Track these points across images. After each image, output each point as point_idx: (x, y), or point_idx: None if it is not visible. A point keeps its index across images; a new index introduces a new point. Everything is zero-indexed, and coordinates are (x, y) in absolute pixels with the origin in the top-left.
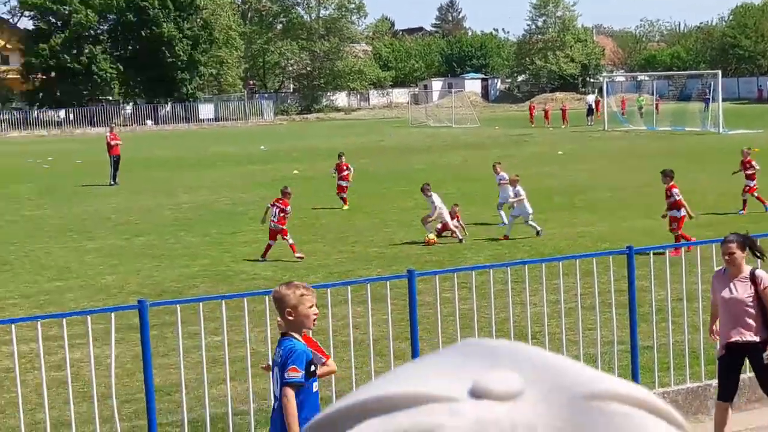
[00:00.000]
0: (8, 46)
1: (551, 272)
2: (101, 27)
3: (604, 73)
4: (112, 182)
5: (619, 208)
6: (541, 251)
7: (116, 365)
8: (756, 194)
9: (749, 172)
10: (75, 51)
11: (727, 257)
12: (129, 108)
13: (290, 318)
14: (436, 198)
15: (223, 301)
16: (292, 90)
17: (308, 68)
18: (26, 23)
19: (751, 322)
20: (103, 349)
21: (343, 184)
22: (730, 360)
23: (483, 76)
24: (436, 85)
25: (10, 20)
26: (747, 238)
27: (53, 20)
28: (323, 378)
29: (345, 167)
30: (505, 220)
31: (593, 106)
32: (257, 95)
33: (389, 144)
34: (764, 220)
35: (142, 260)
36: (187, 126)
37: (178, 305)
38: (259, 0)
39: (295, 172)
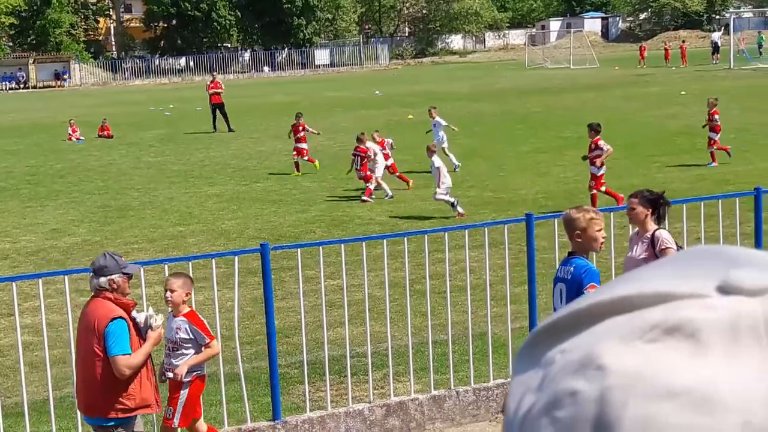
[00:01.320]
0: None
1: (672, 215)
2: None
3: (731, 9)
4: (230, 129)
5: (743, 150)
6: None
7: (238, 308)
8: (715, 148)
9: (714, 124)
10: None
11: (628, 214)
12: (247, 55)
13: (578, 240)
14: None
15: (342, 245)
16: (407, 34)
17: (424, 11)
18: None
19: None
20: (224, 292)
21: (302, 146)
22: None
23: (603, 15)
24: (554, 25)
25: None
26: (656, 197)
27: None
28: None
29: (302, 128)
30: (455, 161)
31: (718, 43)
32: (372, 40)
33: (505, 87)
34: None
35: (260, 205)
36: (303, 72)
37: (298, 249)
38: None
39: (410, 116)
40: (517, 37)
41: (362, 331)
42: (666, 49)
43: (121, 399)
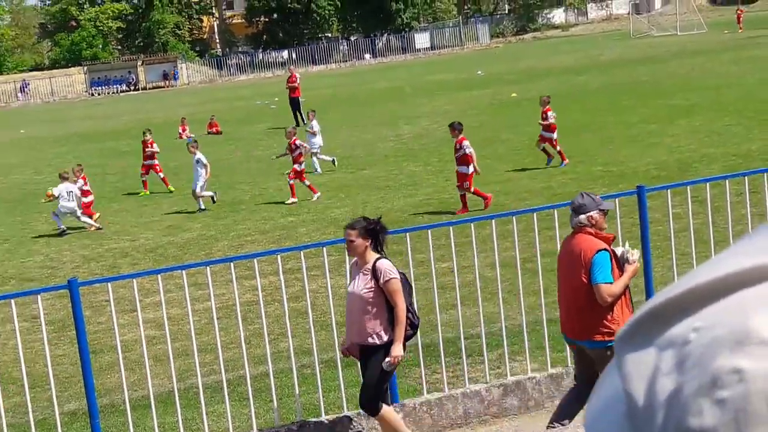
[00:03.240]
0: None
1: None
2: None
3: None
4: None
5: None
6: None
7: None
8: (543, 146)
9: (548, 122)
10: None
11: (347, 246)
12: (347, 43)
13: None
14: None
15: (451, 227)
16: (507, 11)
17: None
18: None
19: (372, 321)
20: (336, 279)
21: (151, 163)
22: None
23: None
24: None
25: None
26: (374, 225)
27: None
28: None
29: (151, 144)
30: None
31: None
32: (472, 19)
33: (610, 58)
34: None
35: (368, 192)
36: (404, 57)
37: (407, 233)
38: None
39: (514, 95)
40: (620, 6)
41: (475, 312)
42: None
43: (606, 323)
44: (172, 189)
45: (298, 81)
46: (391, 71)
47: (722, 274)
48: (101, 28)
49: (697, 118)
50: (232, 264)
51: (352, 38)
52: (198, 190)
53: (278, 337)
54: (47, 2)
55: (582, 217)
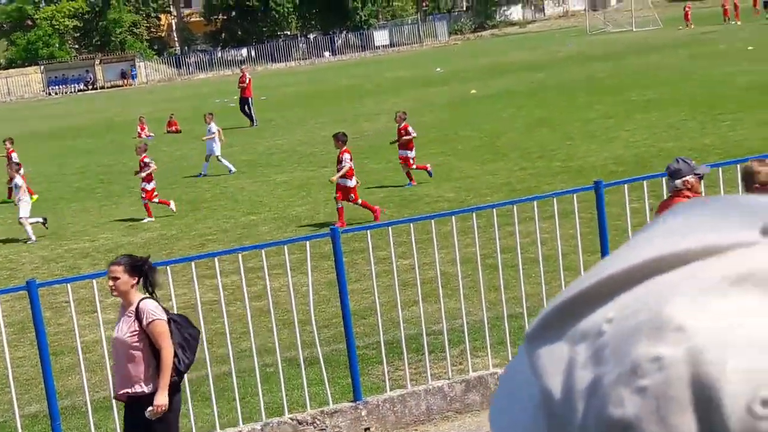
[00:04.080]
0: None
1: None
2: None
3: None
4: (254, 124)
5: None
6: (734, 153)
7: (312, 292)
8: (415, 165)
9: (407, 138)
10: None
11: (111, 284)
12: (306, 41)
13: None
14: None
15: (411, 224)
16: (465, 8)
17: None
18: None
19: (137, 368)
20: (299, 277)
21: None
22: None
23: None
24: None
25: None
26: (141, 263)
27: None
28: None
29: (10, 154)
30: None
31: None
32: (430, 17)
33: (567, 54)
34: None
35: (329, 189)
36: (363, 54)
37: (368, 231)
38: None
39: (473, 91)
40: (577, 2)
41: (437, 308)
42: (724, 6)
43: None
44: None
45: (248, 80)
46: (350, 69)
47: (634, 262)
48: (58, 27)
49: (654, 114)
50: (193, 263)
51: (311, 36)
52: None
53: (241, 336)
54: (2, 1)
55: (678, 182)
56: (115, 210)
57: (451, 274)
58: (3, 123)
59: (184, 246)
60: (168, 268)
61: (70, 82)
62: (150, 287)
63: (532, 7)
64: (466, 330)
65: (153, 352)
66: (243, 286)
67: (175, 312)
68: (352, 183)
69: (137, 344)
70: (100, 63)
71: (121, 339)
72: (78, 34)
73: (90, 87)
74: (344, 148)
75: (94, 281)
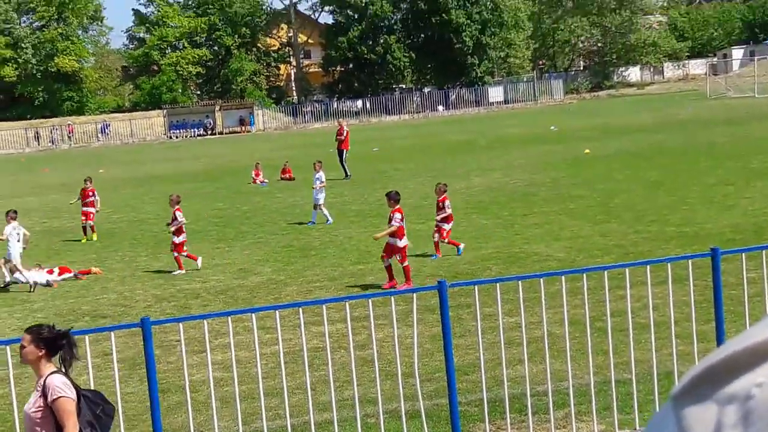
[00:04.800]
0: (310, 41)
1: None
2: (395, 17)
3: None
4: (347, 177)
5: None
6: None
7: (417, 345)
8: (447, 240)
9: (444, 214)
10: (371, 42)
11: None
12: (420, 95)
13: None
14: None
15: (520, 282)
16: (582, 67)
17: (599, 44)
18: (326, 18)
19: None
20: (404, 329)
21: (90, 210)
22: None
23: None
24: (737, 53)
25: (312, 16)
26: (54, 336)
27: (351, 13)
28: None
29: (91, 193)
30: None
31: None
32: (546, 75)
33: (686, 117)
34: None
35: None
36: (476, 109)
37: (475, 286)
38: None
39: (587, 151)
40: (697, 66)
41: (542, 369)
42: None
43: None
44: (85, 240)
45: (345, 133)
46: (463, 123)
47: None
48: (181, 72)
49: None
50: (300, 309)
51: (426, 90)
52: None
53: (343, 384)
54: (131, 46)
55: None
56: (227, 253)
57: (558, 335)
58: (125, 165)
59: (292, 291)
60: (276, 312)
61: (190, 126)
62: (64, 364)
63: (651, 69)
64: (571, 393)
65: (58, 429)
66: (349, 335)
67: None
68: (401, 243)
69: (41, 420)
70: (220, 109)
71: (27, 413)
72: (200, 81)
73: (209, 132)
74: (396, 207)
75: (205, 322)
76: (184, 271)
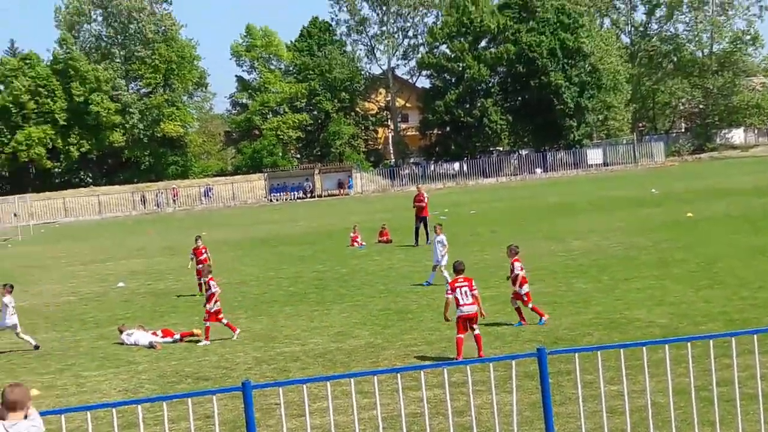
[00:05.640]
0: (407, 104)
1: None
2: (492, 80)
3: None
4: (417, 244)
5: None
6: None
7: (516, 413)
8: (531, 305)
9: (514, 275)
10: (468, 105)
11: None
12: (518, 157)
13: None
14: None
15: (622, 350)
16: (683, 129)
17: (701, 106)
18: (423, 82)
19: None
20: (502, 396)
21: (200, 267)
22: None
23: None
24: None
25: (409, 80)
26: None
27: (448, 77)
28: None
29: (203, 250)
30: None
31: None
32: (647, 137)
33: None
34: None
35: (545, 308)
36: (575, 172)
37: (576, 353)
38: (648, 40)
39: (689, 214)
40: None
41: None
42: None
43: None
44: (200, 294)
45: (426, 200)
46: (561, 186)
47: None
48: (282, 137)
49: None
50: (398, 375)
51: (523, 152)
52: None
53: None
54: (233, 111)
55: None
56: (326, 316)
57: (663, 404)
58: (226, 227)
59: (390, 355)
60: (375, 377)
61: (290, 189)
62: None
63: (755, 131)
64: None
65: None
66: (447, 401)
67: None
68: (523, 290)
69: None
70: (319, 172)
71: None
72: (300, 145)
73: (308, 195)
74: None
75: (304, 387)
76: (209, 342)
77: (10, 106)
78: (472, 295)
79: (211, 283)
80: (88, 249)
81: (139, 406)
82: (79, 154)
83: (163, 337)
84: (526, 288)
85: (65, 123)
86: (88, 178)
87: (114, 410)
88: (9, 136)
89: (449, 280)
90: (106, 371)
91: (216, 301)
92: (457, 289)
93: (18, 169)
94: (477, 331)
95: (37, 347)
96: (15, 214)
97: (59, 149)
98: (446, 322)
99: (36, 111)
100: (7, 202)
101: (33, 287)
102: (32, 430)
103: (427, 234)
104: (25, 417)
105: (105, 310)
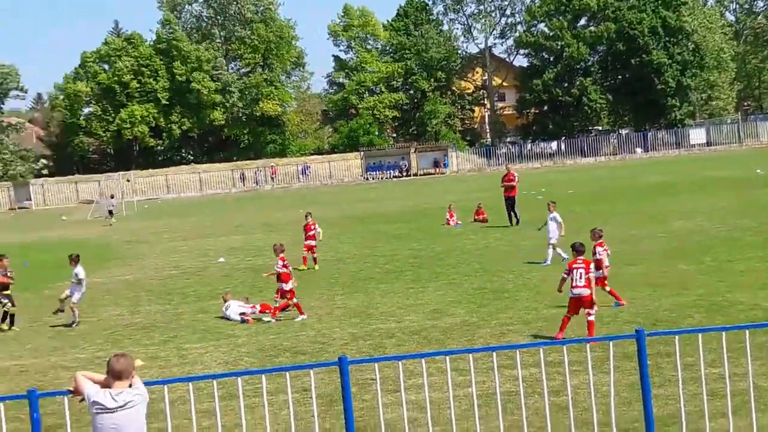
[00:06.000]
0: (504, 84)
1: None
2: (591, 59)
3: None
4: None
5: None
6: None
7: (614, 393)
8: (609, 288)
9: (594, 258)
10: (566, 84)
11: None
12: (617, 136)
13: None
14: None
15: (723, 333)
16: None
17: None
18: (521, 61)
19: None
20: (599, 376)
21: (312, 243)
22: None
23: None
24: None
25: (506, 59)
26: None
27: (546, 56)
28: None
29: (313, 226)
30: (564, 255)
31: None
32: (752, 117)
33: None
34: None
35: (634, 289)
36: (677, 151)
37: (676, 335)
38: (754, 18)
39: None
40: None
41: (748, 423)
42: None
43: None
44: (304, 268)
45: (516, 180)
46: (662, 165)
47: None
48: (378, 116)
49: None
50: (494, 353)
51: (623, 131)
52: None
53: (537, 430)
54: (330, 91)
55: None
56: (421, 294)
57: (765, 388)
58: (323, 205)
59: (485, 334)
60: (470, 355)
61: (385, 168)
62: None
63: None
64: None
65: None
66: (543, 380)
67: None
68: (601, 273)
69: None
70: (415, 151)
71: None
72: (396, 124)
73: (404, 174)
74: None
75: (400, 363)
76: (305, 317)
77: (115, 85)
78: (587, 278)
79: (280, 263)
80: (189, 225)
81: (239, 378)
82: (181, 132)
83: (261, 311)
84: (605, 272)
85: (167, 102)
86: (189, 156)
87: (215, 382)
88: (113, 115)
89: (562, 256)
90: (207, 344)
91: (292, 281)
92: (574, 270)
93: (123, 146)
94: (591, 318)
95: (71, 324)
96: (63, 218)
97: (162, 127)
98: (558, 293)
99: (139, 90)
100: (111, 179)
101: (136, 261)
102: (137, 399)
103: (516, 215)
104: (130, 386)
105: (205, 284)
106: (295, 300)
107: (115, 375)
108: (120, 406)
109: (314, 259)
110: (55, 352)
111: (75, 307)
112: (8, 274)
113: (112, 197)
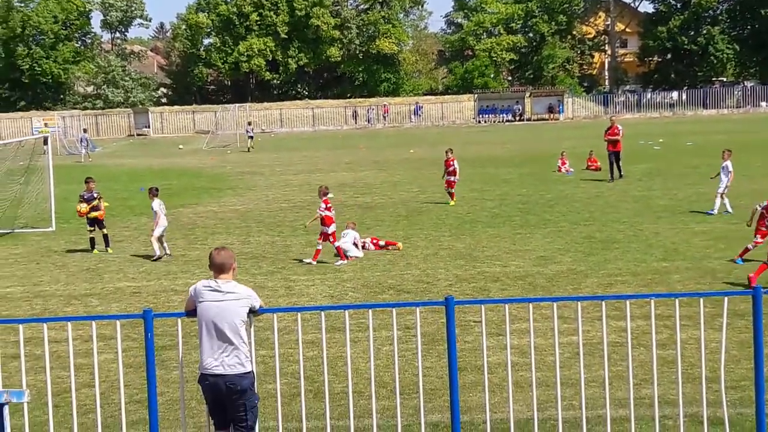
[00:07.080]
0: (627, 29)
1: None
2: (720, 7)
3: None
4: (620, 175)
5: None
6: None
7: (724, 350)
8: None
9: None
10: (692, 32)
11: None
12: (742, 89)
13: None
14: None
15: None
16: None
17: None
18: (646, 7)
19: None
20: (709, 333)
21: (451, 179)
22: None
23: None
24: None
25: (632, 4)
26: None
27: (673, 2)
28: None
29: (452, 162)
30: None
31: None
32: None
33: None
34: None
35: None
36: None
37: None
38: None
39: None
40: None
41: None
42: None
43: None
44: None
45: (621, 133)
46: None
47: None
48: (495, 58)
49: None
50: (603, 303)
51: (749, 84)
52: None
53: (641, 382)
54: (448, 31)
55: None
56: (529, 239)
57: None
58: (433, 146)
59: (592, 283)
60: (578, 304)
61: (499, 112)
62: None
63: None
64: None
65: None
66: (652, 333)
67: None
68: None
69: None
70: (529, 96)
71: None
72: (512, 67)
73: (517, 118)
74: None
75: (506, 306)
76: (345, 262)
77: (234, 17)
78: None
79: (323, 206)
80: (301, 159)
81: (346, 312)
82: (297, 67)
83: (371, 242)
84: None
85: (286, 36)
86: (304, 91)
87: (322, 313)
88: (232, 47)
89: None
90: (313, 277)
91: (333, 224)
92: None
93: (240, 79)
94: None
95: (157, 259)
96: (180, 147)
97: (278, 61)
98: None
99: (258, 23)
100: (228, 111)
101: (249, 192)
102: (242, 292)
103: (620, 169)
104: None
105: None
106: (337, 243)
107: (216, 268)
108: (223, 294)
109: (451, 194)
110: (167, 276)
111: (155, 241)
112: (94, 195)
113: (249, 124)
